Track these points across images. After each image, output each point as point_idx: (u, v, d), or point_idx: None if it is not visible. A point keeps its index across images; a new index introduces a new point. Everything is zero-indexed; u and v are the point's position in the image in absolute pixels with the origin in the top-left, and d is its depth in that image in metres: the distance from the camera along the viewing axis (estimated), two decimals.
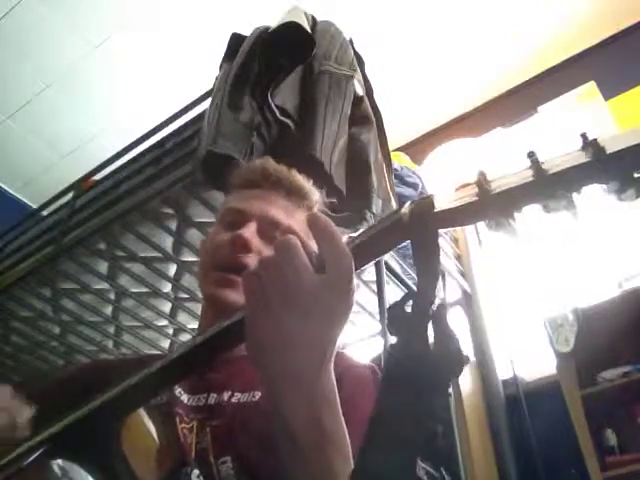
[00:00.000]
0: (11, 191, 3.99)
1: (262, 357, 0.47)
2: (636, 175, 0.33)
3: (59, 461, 0.53)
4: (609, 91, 2.85)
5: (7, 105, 3.45)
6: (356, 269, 0.44)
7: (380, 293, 1.73)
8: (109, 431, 0.52)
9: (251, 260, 0.75)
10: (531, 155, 0.37)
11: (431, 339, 0.39)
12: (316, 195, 0.86)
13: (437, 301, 0.40)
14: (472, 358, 2.50)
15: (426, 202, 0.40)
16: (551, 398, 2.21)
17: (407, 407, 0.38)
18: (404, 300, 0.41)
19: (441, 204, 0.40)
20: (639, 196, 0.34)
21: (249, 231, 0.76)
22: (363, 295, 2.19)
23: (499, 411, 2.37)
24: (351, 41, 1.71)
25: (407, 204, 0.41)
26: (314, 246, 0.60)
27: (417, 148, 3.37)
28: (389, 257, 2.06)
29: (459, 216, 0.39)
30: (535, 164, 0.36)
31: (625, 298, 2.13)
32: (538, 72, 3.27)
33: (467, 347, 2.50)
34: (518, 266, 2.67)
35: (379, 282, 1.75)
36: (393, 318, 0.41)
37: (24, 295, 2.19)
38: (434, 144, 2.93)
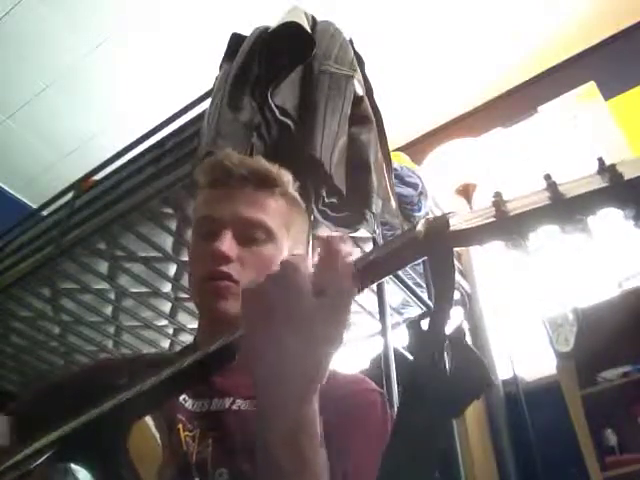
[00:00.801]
0: (11, 191, 3.99)
1: (255, 370, 0.47)
2: None
3: (66, 464, 0.53)
4: (609, 91, 2.85)
5: (7, 105, 3.45)
6: (369, 285, 0.45)
7: (380, 293, 1.72)
8: (116, 436, 0.52)
9: (232, 269, 0.75)
10: (548, 178, 0.37)
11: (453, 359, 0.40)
12: (286, 177, 0.83)
13: (454, 320, 0.40)
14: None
15: (441, 221, 0.40)
16: (551, 398, 2.21)
17: (423, 427, 0.38)
18: (421, 318, 0.42)
19: (455, 222, 0.40)
20: None
21: (226, 242, 0.75)
22: (363, 295, 2.19)
23: (499, 411, 2.37)
24: (351, 41, 1.71)
25: (422, 221, 0.42)
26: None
27: (417, 148, 3.37)
28: None
29: (475, 236, 0.39)
30: (552, 187, 0.36)
31: (625, 298, 2.13)
32: (538, 72, 3.27)
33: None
34: (518, 266, 2.67)
35: (379, 282, 1.75)
36: (411, 336, 0.41)
37: (24, 295, 2.19)
38: (434, 144, 2.93)
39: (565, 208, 0.35)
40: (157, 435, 0.58)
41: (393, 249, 0.43)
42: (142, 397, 0.50)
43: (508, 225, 0.37)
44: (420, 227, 0.41)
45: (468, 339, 0.40)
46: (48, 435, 0.51)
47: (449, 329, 0.41)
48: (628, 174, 0.34)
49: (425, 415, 0.39)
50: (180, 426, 0.66)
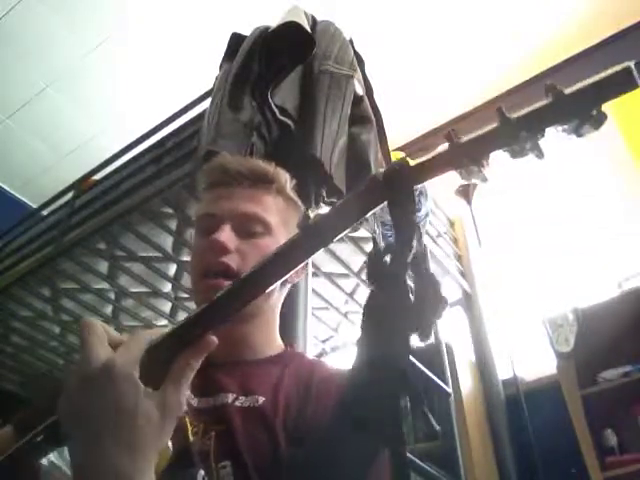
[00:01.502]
0: (11, 191, 3.99)
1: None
2: (593, 112, 0.36)
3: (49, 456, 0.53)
4: None
5: (7, 105, 3.45)
6: (338, 234, 0.45)
7: None
8: None
9: (231, 260, 0.76)
10: (498, 109, 0.38)
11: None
12: (283, 176, 0.85)
13: (414, 251, 0.42)
14: (472, 358, 2.50)
15: (400, 161, 0.42)
16: (551, 398, 2.21)
17: (386, 348, 0.40)
18: (383, 253, 0.42)
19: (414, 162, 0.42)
20: (595, 129, 0.37)
21: (224, 233, 0.76)
22: (363, 295, 2.19)
23: (499, 411, 2.37)
24: (351, 41, 1.71)
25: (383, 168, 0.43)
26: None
27: (417, 148, 3.38)
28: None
29: (432, 168, 0.41)
30: (499, 112, 0.38)
31: (625, 298, 2.13)
32: (538, 72, 3.27)
33: (466, 345, 2.50)
34: (518, 266, 2.67)
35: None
36: (372, 269, 0.43)
37: (24, 295, 2.19)
38: (434, 144, 2.93)
39: (512, 129, 0.37)
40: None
41: (356, 194, 0.44)
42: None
43: (460, 152, 0.39)
44: (380, 170, 0.43)
45: (428, 265, 0.42)
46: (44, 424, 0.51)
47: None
48: (568, 90, 0.36)
49: (386, 340, 0.41)
50: (186, 420, 0.67)
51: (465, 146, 0.39)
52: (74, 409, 0.44)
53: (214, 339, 0.47)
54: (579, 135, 0.37)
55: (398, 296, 0.41)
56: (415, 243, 0.42)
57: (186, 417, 0.67)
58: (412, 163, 0.42)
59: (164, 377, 0.46)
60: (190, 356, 0.46)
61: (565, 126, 0.37)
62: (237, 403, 0.70)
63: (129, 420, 0.43)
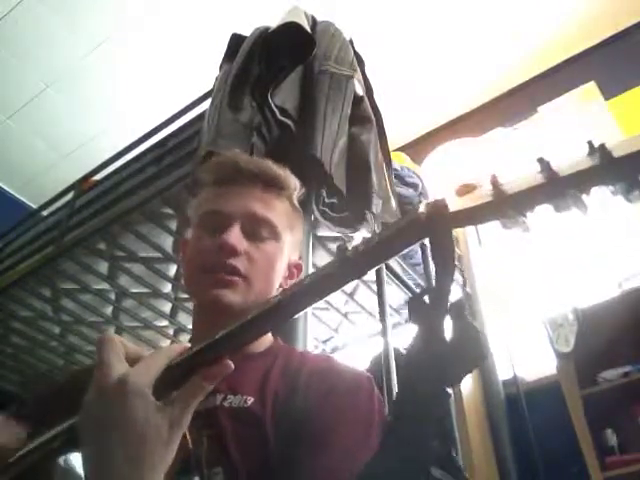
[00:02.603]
0: (11, 191, 3.99)
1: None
2: None
3: (65, 456, 0.53)
4: (609, 91, 2.85)
5: (7, 105, 3.45)
6: (373, 267, 0.45)
7: (380, 293, 1.72)
8: None
9: (240, 263, 0.75)
10: (541, 160, 0.39)
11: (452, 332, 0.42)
12: (293, 182, 0.85)
13: (455, 295, 0.43)
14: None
15: (441, 202, 0.42)
16: (551, 398, 2.21)
17: (424, 399, 0.41)
18: (423, 293, 0.44)
19: (454, 205, 0.42)
20: None
21: (234, 235, 0.76)
22: (363, 295, 2.19)
23: (499, 411, 2.37)
24: (351, 41, 1.71)
25: (422, 204, 0.43)
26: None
27: (417, 148, 3.38)
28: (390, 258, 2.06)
29: (474, 215, 0.41)
30: (546, 167, 0.39)
31: (625, 298, 2.13)
32: (538, 72, 3.27)
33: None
34: (518, 266, 2.67)
35: (379, 282, 1.75)
36: (412, 309, 0.44)
37: (24, 295, 2.19)
38: (434, 144, 2.93)
39: (558, 186, 0.38)
40: None
41: (397, 230, 0.44)
42: None
43: (505, 204, 0.39)
44: (421, 209, 0.43)
45: (468, 314, 0.42)
46: (54, 429, 0.51)
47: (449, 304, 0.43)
48: (616, 153, 0.36)
49: (425, 383, 0.42)
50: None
51: (512, 199, 0.39)
52: (89, 421, 0.46)
53: (230, 364, 0.48)
54: (628, 200, 0.37)
55: (433, 341, 0.42)
56: (453, 286, 0.43)
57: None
58: (453, 204, 0.42)
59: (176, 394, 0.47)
60: (205, 378, 0.48)
61: (612, 187, 0.37)
62: (226, 403, 0.69)
63: (139, 434, 0.44)
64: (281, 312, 0.48)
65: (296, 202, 0.86)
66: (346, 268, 0.45)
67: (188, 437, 0.63)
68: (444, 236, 0.42)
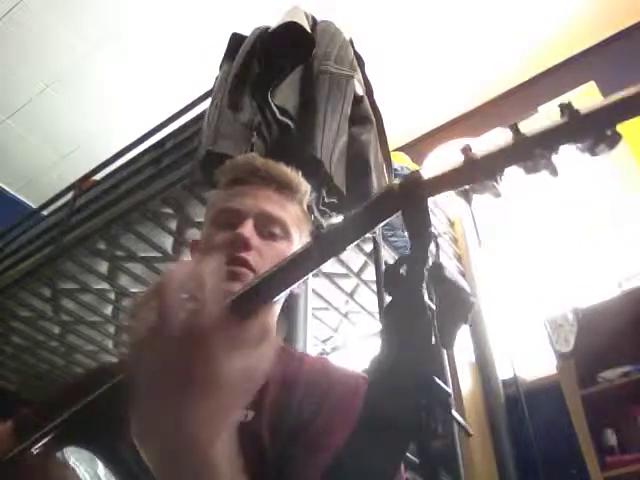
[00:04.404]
0: (11, 191, 3.99)
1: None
2: (608, 132, 0.37)
3: (62, 450, 0.53)
4: (609, 91, 2.82)
5: (7, 105, 3.45)
6: (351, 243, 0.45)
7: (380, 293, 1.72)
8: (119, 418, 0.52)
9: (251, 257, 0.75)
10: (512, 126, 0.40)
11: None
12: (305, 187, 0.87)
13: (430, 261, 0.43)
14: (472, 358, 2.50)
15: (414, 174, 0.43)
16: (551, 398, 2.21)
17: (407, 363, 0.41)
18: (399, 263, 0.43)
19: (428, 174, 0.43)
20: (610, 149, 0.38)
21: (248, 230, 0.76)
22: (363, 295, 2.19)
23: (499, 411, 2.37)
24: (351, 41, 1.71)
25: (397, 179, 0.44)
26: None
27: (417, 148, 3.38)
28: (389, 257, 2.06)
29: (446, 182, 0.41)
30: (514, 129, 0.39)
31: (625, 298, 2.12)
32: (538, 72, 3.27)
33: (466, 345, 2.50)
34: (518, 266, 2.67)
35: (379, 282, 1.75)
36: (388, 280, 0.43)
37: (24, 295, 2.19)
38: (434, 144, 2.93)
39: (525, 146, 0.38)
40: None
41: (371, 202, 0.44)
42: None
43: (475, 168, 0.39)
44: (395, 181, 0.44)
45: (447, 272, 0.43)
46: (53, 420, 0.51)
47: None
48: (583, 111, 0.37)
49: (411, 347, 0.42)
50: None
51: (480, 162, 0.39)
52: (152, 366, 0.39)
53: None
54: (593, 154, 0.37)
55: (415, 306, 0.42)
56: (431, 253, 0.43)
57: None
58: (425, 175, 0.43)
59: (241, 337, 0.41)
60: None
61: (579, 145, 0.38)
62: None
63: (211, 382, 0.38)
64: (261, 294, 0.45)
65: (305, 207, 0.87)
66: (323, 245, 0.44)
67: None
68: (418, 204, 0.42)
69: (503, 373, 2.47)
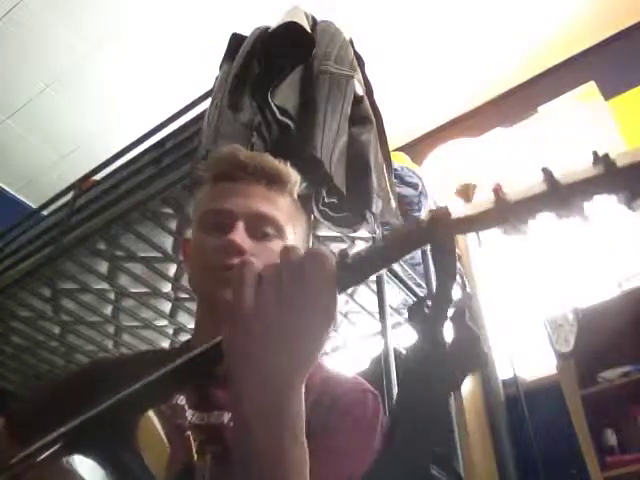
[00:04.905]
0: (11, 191, 3.99)
1: (237, 363, 0.46)
2: None
3: (69, 457, 0.53)
4: (609, 91, 2.85)
5: (7, 105, 3.45)
6: (374, 273, 0.46)
7: (380, 293, 1.72)
8: (123, 429, 0.52)
9: (241, 255, 0.75)
10: (545, 170, 0.39)
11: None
12: (295, 177, 0.84)
13: (455, 301, 0.44)
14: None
15: (443, 209, 0.43)
16: (551, 398, 2.21)
17: (424, 404, 0.41)
18: (423, 300, 0.44)
19: (457, 212, 0.43)
20: None
21: (239, 234, 0.74)
22: (363, 295, 2.19)
23: (499, 411, 2.37)
24: (351, 41, 1.71)
25: (425, 212, 0.44)
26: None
27: (417, 148, 3.38)
28: None
29: (475, 222, 0.41)
30: (549, 176, 0.39)
31: (625, 298, 2.13)
32: (538, 72, 3.27)
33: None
34: (518, 266, 2.67)
35: (379, 282, 1.75)
36: (412, 317, 0.45)
37: (24, 295, 2.19)
38: (434, 144, 2.93)
39: (561, 195, 0.38)
40: (162, 432, 0.58)
41: (399, 235, 0.44)
42: (143, 392, 0.50)
43: (507, 211, 0.39)
44: (424, 216, 0.43)
45: (468, 318, 0.43)
46: (55, 430, 0.51)
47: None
48: (620, 163, 0.37)
49: (424, 388, 0.43)
50: (190, 436, 0.66)
51: (513, 207, 0.39)
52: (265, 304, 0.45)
53: None
54: (631, 209, 0.37)
55: (433, 346, 0.43)
56: (454, 291, 0.43)
57: (189, 433, 0.66)
58: (455, 212, 0.42)
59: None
60: None
61: (616, 196, 0.37)
62: (232, 423, 0.68)
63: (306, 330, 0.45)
64: None
65: (296, 196, 0.85)
66: (346, 274, 0.45)
67: (193, 446, 0.62)
68: (445, 243, 0.43)
69: (503, 373, 2.47)
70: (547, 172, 0.39)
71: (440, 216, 0.42)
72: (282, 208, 0.80)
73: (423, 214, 0.45)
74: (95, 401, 0.52)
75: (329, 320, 0.45)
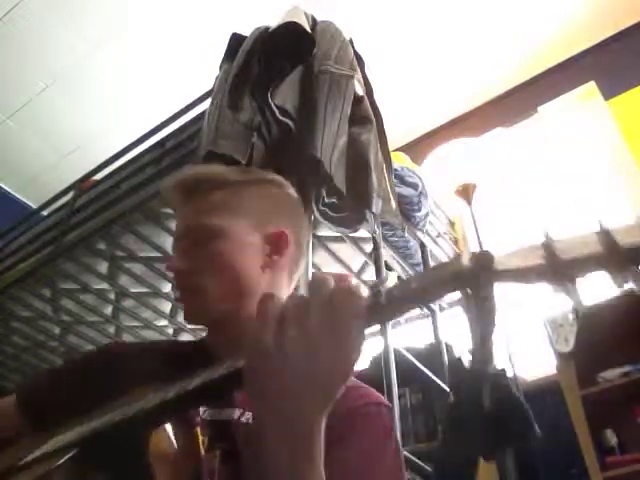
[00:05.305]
0: (11, 191, 3.99)
1: (258, 398, 0.45)
2: None
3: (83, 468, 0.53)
4: (609, 91, 2.85)
5: (7, 105, 3.45)
6: (405, 313, 0.44)
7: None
8: (137, 440, 0.52)
9: (185, 279, 0.80)
10: (602, 228, 0.36)
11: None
12: (216, 170, 0.88)
13: (495, 362, 0.40)
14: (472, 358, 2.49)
15: (487, 256, 0.40)
16: (551, 398, 2.21)
17: (460, 461, 0.40)
18: (461, 359, 0.41)
19: (501, 259, 0.39)
20: None
21: (177, 255, 0.82)
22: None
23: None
24: (351, 41, 1.71)
25: (466, 255, 0.41)
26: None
27: (417, 148, 3.37)
28: (389, 257, 2.06)
29: (522, 276, 0.38)
30: (606, 234, 0.36)
31: (625, 298, 2.12)
32: (538, 72, 3.27)
33: (466, 345, 2.50)
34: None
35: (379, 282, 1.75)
36: (452, 372, 0.41)
37: (24, 295, 2.19)
38: (434, 144, 2.93)
39: (619, 258, 0.35)
40: (173, 437, 0.58)
41: (438, 280, 0.42)
42: (160, 407, 0.49)
43: (556, 270, 0.36)
44: (465, 260, 0.40)
45: (508, 380, 0.40)
46: (67, 434, 0.51)
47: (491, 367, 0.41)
48: (622, 240, 0.34)
49: (461, 450, 0.40)
50: (198, 429, 0.66)
51: (566, 265, 0.36)
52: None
53: None
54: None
55: (473, 408, 0.41)
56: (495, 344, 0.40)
57: (197, 429, 0.66)
58: (498, 260, 0.40)
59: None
60: None
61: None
62: (243, 419, 0.68)
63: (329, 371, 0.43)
64: None
65: (234, 179, 0.85)
66: (378, 314, 0.43)
67: (200, 442, 0.62)
68: (487, 292, 0.40)
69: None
70: (604, 231, 0.35)
71: (484, 263, 0.39)
72: (212, 209, 0.81)
73: (464, 258, 0.40)
74: (107, 394, 0.52)
75: (356, 358, 0.44)
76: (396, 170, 2.02)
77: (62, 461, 0.49)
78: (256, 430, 0.46)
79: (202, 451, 0.63)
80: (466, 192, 2.63)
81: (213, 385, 0.48)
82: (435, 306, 2.19)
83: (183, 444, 0.59)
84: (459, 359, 0.45)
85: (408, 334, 2.57)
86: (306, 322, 0.43)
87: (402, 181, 2.10)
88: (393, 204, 1.63)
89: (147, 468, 0.51)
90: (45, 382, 0.89)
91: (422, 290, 0.42)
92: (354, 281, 0.45)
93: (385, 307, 0.43)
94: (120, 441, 0.50)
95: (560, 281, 0.37)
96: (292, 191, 0.90)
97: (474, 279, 0.39)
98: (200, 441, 0.64)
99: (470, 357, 0.41)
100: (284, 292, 0.83)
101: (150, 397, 0.50)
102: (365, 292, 0.44)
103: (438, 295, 0.42)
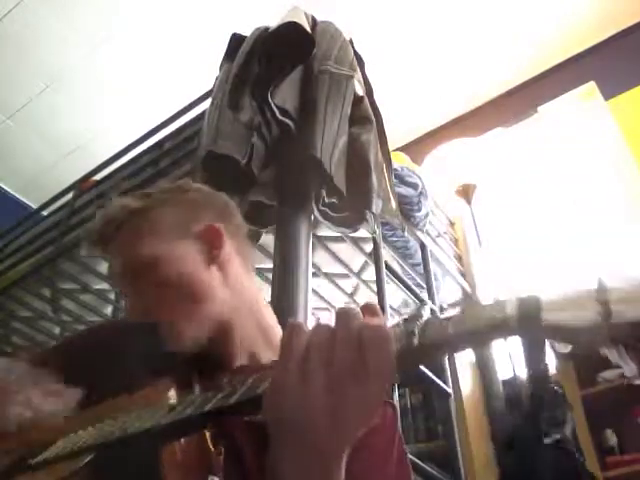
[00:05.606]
0: (11, 191, 3.99)
1: (279, 430, 0.43)
2: None
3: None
4: (609, 91, 2.85)
5: (7, 105, 3.45)
6: (437, 359, 0.42)
7: (380, 293, 1.72)
8: (150, 454, 0.51)
9: (147, 312, 0.76)
10: None
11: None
12: (125, 202, 0.82)
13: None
14: (472, 358, 2.50)
15: (534, 304, 0.37)
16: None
17: None
18: (521, 384, 0.40)
19: (549, 306, 0.36)
20: None
21: (131, 297, 0.79)
22: (363, 295, 2.19)
23: (499, 411, 2.37)
24: (351, 41, 1.71)
25: (512, 302, 0.38)
26: None
27: (417, 148, 3.37)
28: (389, 257, 2.06)
29: (570, 333, 0.35)
30: None
31: None
32: (538, 72, 3.27)
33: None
34: (518, 266, 2.67)
35: (379, 282, 1.75)
36: (511, 409, 0.40)
37: (24, 295, 2.19)
38: (434, 144, 2.93)
39: None
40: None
41: (476, 326, 0.38)
42: (175, 426, 0.48)
43: (610, 331, 0.32)
44: (511, 310, 0.37)
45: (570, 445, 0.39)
46: (81, 434, 0.50)
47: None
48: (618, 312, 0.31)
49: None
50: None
51: (619, 327, 0.32)
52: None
53: None
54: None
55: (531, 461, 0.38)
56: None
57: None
58: (545, 307, 0.36)
59: None
60: None
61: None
62: (246, 417, 0.68)
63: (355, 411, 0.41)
64: None
65: (147, 204, 0.82)
66: (406, 356, 0.39)
67: (208, 437, 0.62)
68: (534, 342, 0.37)
69: (503, 373, 2.47)
70: None
71: (530, 316, 0.36)
72: (136, 242, 0.78)
73: (510, 307, 0.38)
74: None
75: (382, 395, 0.42)
76: (396, 170, 2.02)
77: (80, 466, 0.48)
78: (271, 457, 0.44)
79: (211, 447, 0.63)
80: (466, 192, 2.63)
81: (232, 407, 0.46)
82: (435, 305, 2.19)
83: (190, 439, 0.59)
84: (515, 378, 0.44)
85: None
86: (330, 357, 0.41)
87: (402, 181, 2.10)
88: (393, 204, 1.63)
89: (158, 468, 0.50)
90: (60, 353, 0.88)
91: (459, 338, 0.38)
92: (383, 314, 0.44)
93: (416, 351, 0.39)
94: (137, 451, 0.49)
95: (611, 344, 0.33)
96: (198, 186, 0.88)
97: (520, 332, 0.36)
98: (208, 437, 0.64)
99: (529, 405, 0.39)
100: (245, 281, 0.81)
101: (172, 412, 0.49)
102: (393, 324, 0.41)
103: (476, 345, 0.40)
